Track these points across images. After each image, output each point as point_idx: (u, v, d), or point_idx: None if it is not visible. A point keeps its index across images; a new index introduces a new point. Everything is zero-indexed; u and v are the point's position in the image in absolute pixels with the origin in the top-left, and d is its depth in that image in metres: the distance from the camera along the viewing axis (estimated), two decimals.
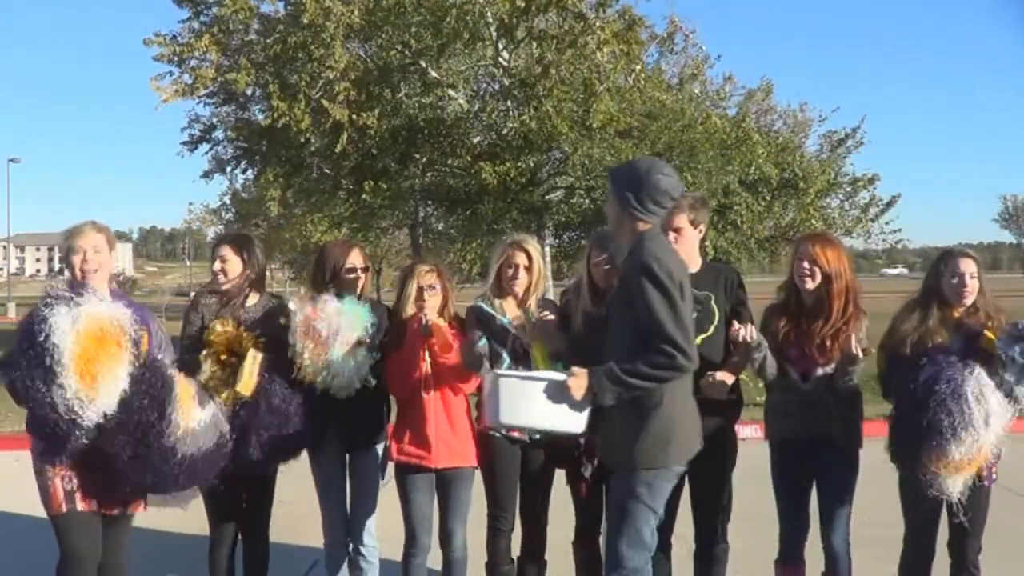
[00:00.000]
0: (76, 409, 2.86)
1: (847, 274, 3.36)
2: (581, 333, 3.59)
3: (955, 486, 3.14)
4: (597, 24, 10.63)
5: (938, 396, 3.08)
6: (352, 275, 3.65)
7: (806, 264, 3.36)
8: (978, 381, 3.09)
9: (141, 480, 3.10)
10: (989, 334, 3.21)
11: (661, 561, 3.57)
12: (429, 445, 3.53)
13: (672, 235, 3.42)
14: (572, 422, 2.94)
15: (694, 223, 3.45)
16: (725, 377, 3.33)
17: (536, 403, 2.89)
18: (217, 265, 3.61)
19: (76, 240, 3.25)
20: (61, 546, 3.17)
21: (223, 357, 3.42)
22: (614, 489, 3.01)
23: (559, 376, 2.91)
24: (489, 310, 3.59)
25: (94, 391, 2.88)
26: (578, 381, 2.85)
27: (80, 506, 3.14)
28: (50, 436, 3.01)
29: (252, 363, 3.37)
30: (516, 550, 3.74)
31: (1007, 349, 3.15)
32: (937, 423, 3.06)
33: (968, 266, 3.33)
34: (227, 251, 3.62)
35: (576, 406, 2.90)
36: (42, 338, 2.85)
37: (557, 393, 2.87)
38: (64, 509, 3.13)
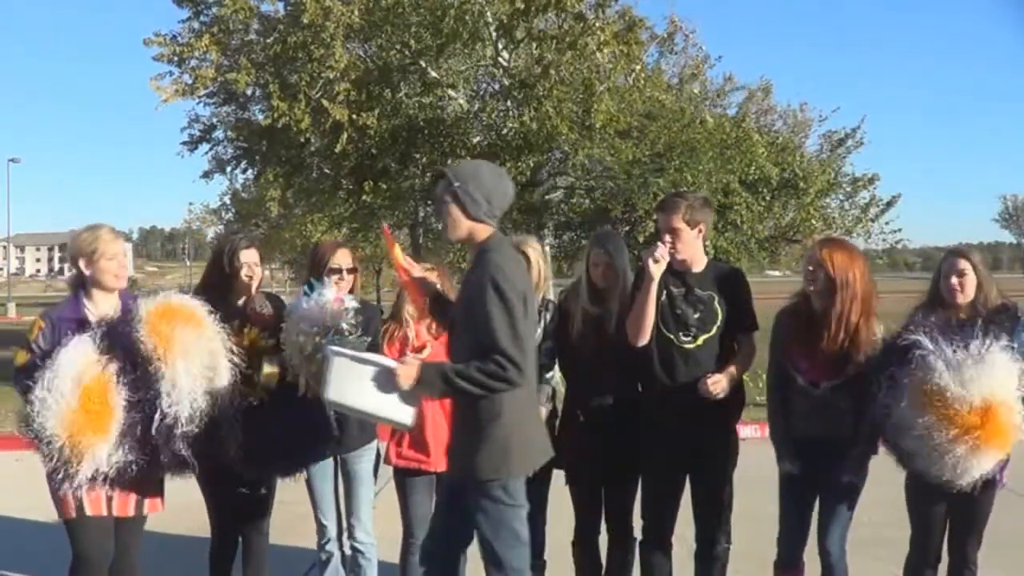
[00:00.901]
0: None
1: (858, 283, 3.24)
2: (580, 331, 3.59)
3: (982, 463, 3.01)
4: (597, 25, 10.61)
5: (916, 358, 3.05)
6: (336, 275, 3.61)
7: (810, 267, 3.31)
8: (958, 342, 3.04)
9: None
10: None
11: (661, 561, 3.58)
12: (428, 449, 3.54)
13: (668, 236, 3.42)
14: (400, 412, 2.87)
15: (691, 223, 3.43)
16: (719, 386, 3.31)
17: (364, 386, 2.82)
18: (251, 272, 3.56)
19: (110, 245, 3.19)
20: (73, 548, 3.19)
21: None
22: (470, 497, 2.88)
23: (390, 363, 2.86)
24: None
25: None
26: (407, 370, 2.79)
27: (90, 511, 3.14)
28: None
29: (268, 363, 3.35)
30: None
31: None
32: (922, 373, 3.01)
33: (959, 264, 3.27)
34: (256, 256, 3.60)
35: (405, 397, 2.83)
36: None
37: (386, 380, 2.81)
38: (75, 515, 3.14)
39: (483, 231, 2.88)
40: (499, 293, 2.73)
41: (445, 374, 2.76)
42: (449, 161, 12.54)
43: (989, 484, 3.17)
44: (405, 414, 2.88)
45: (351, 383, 2.84)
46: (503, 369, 2.71)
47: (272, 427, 3.33)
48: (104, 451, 2.97)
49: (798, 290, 3.49)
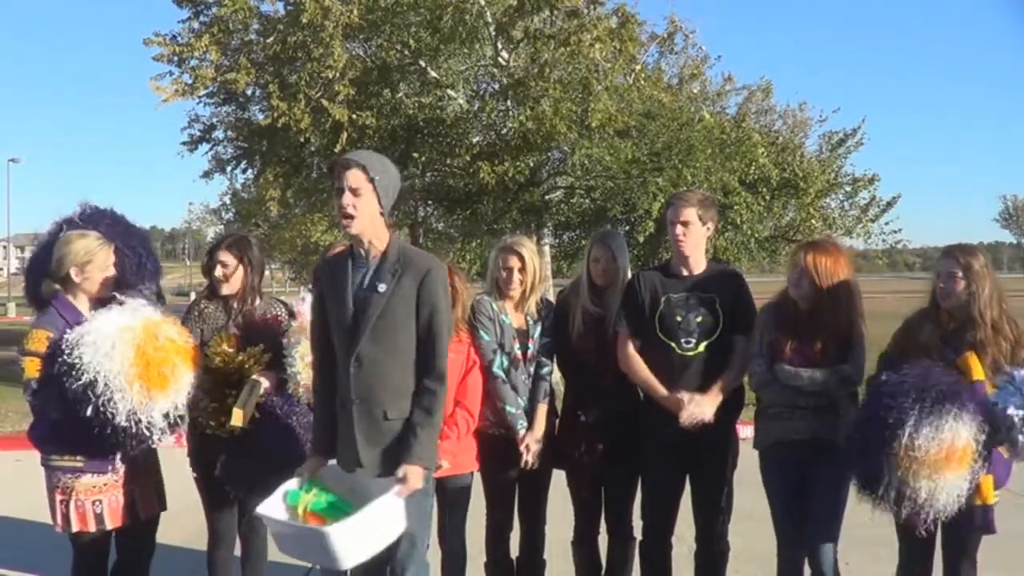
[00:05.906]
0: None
1: (843, 287, 3.18)
2: (580, 331, 3.59)
3: (941, 494, 2.84)
4: (589, 21, 10.58)
5: (897, 394, 2.87)
6: None
7: (794, 273, 3.25)
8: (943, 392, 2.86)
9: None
10: (970, 358, 3.00)
11: (661, 561, 3.57)
12: None
13: (680, 228, 3.38)
14: (399, 524, 2.74)
15: (702, 219, 3.41)
16: (696, 417, 3.27)
17: (371, 536, 2.66)
18: (219, 271, 3.47)
19: (102, 255, 3.16)
20: (78, 555, 3.20)
21: (221, 389, 3.32)
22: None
23: (387, 497, 2.68)
24: (494, 307, 3.59)
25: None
26: (410, 482, 2.70)
27: (110, 525, 3.14)
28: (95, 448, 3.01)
29: (249, 393, 3.25)
30: (516, 550, 3.74)
31: (1004, 401, 2.90)
32: (894, 416, 2.84)
33: (947, 265, 3.13)
34: (228, 256, 3.49)
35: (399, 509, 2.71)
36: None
37: (393, 507, 2.68)
38: (93, 529, 3.12)
39: (384, 227, 2.91)
40: (447, 284, 2.87)
41: (427, 436, 2.75)
42: (448, 161, 12.58)
43: (981, 510, 3.08)
44: (401, 522, 2.75)
45: (358, 543, 2.65)
46: (441, 391, 2.79)
47: (257, 449, 3.29)
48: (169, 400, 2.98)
49: (782, 289, 3.41)
